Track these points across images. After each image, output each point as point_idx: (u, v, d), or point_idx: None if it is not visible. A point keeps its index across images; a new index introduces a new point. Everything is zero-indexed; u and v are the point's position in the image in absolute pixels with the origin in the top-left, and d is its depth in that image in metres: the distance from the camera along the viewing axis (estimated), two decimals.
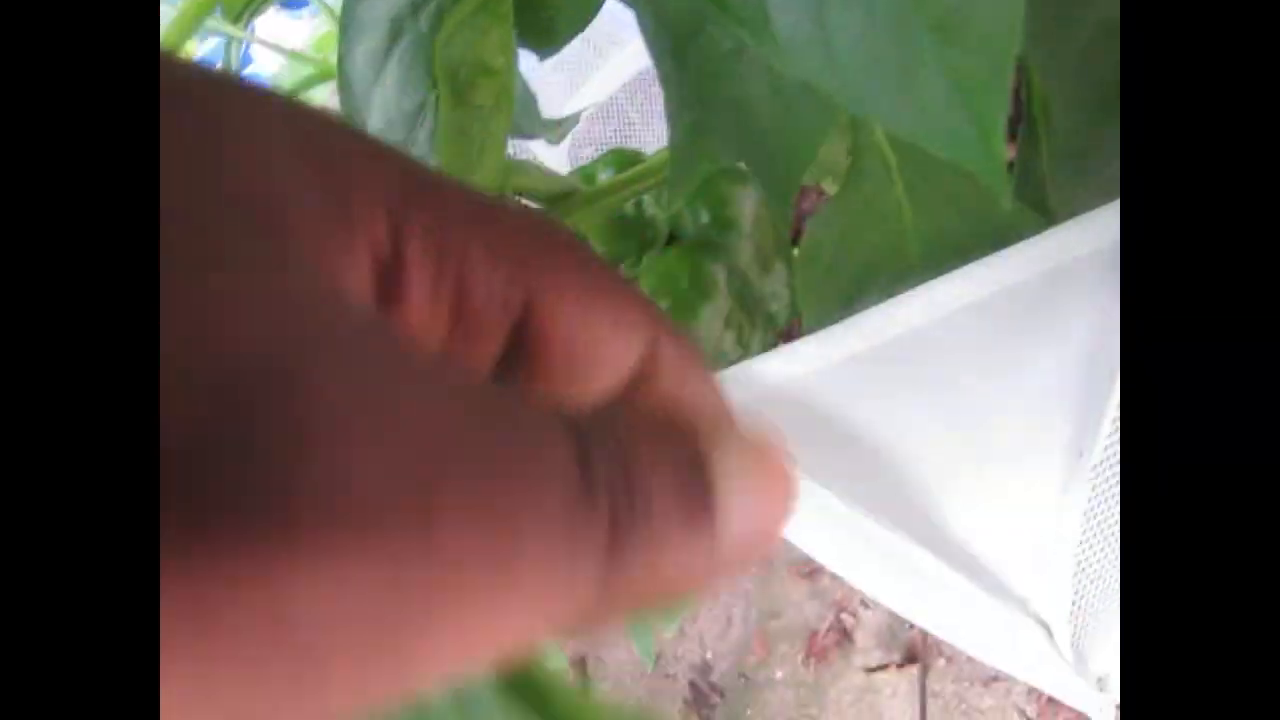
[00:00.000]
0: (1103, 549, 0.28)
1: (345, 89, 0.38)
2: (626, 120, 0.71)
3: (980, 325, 0.25)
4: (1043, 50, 0.27)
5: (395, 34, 0.36)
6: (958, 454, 0.28)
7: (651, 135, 0.66)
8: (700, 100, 0.29)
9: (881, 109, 0.21)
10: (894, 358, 0.26)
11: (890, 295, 0.31)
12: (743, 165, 0.28)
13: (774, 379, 0.27)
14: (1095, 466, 0.26)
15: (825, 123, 0.26)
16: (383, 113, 0.37)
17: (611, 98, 0.68)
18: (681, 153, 0.30)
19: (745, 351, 0.44)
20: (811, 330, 0.33)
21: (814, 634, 1.09)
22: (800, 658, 1.09)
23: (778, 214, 0.27)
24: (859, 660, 1.06)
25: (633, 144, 0.72)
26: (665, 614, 0.39)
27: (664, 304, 0.40)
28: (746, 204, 0.43)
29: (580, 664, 1.20)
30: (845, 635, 1.07)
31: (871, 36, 0.20)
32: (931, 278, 0.32)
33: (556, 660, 0.89)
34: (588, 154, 0.71)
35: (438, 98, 0.30)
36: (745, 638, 1.13)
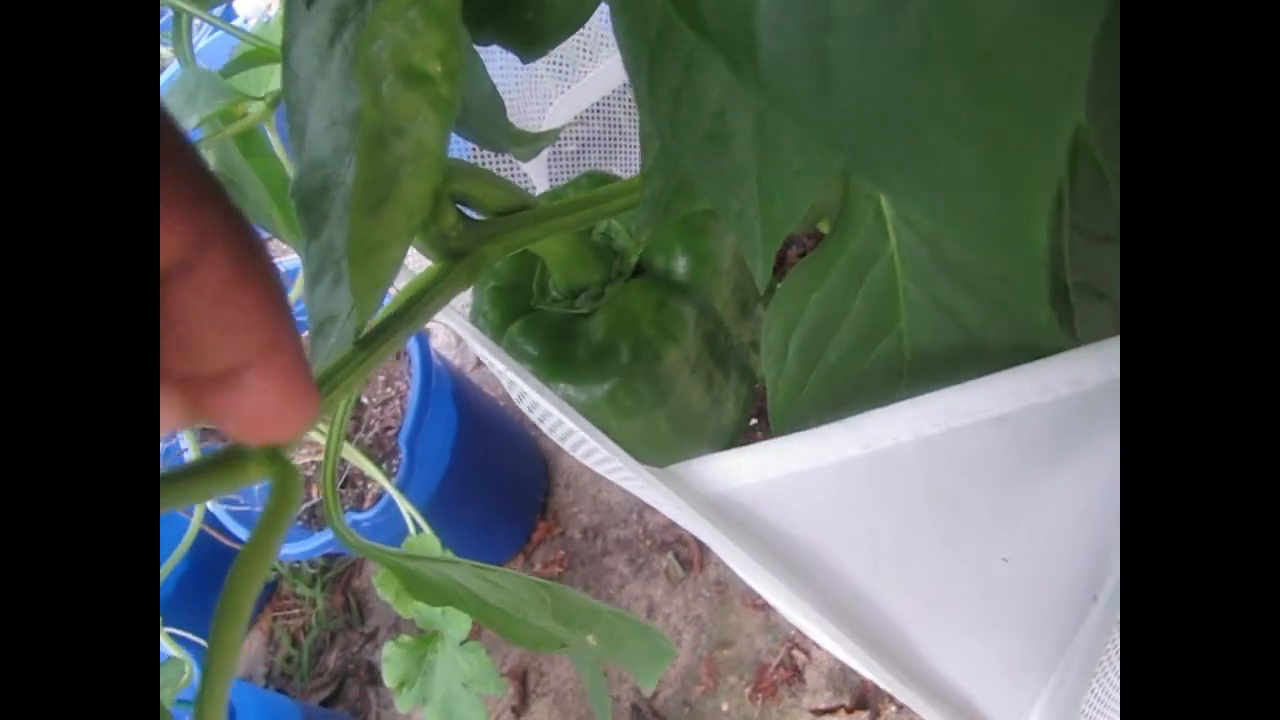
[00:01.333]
0: (1105, 701, 0.25)
1: (289, 79, 0.33)
2: (614, 122, 0.66)
3: (1000, 442, 0.21)
4: (1096, 124, 0.23)
5: (340, 21, 0.31)
6: (954, 573, 0.24)
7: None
8: (674, 130, 0.24)
9: (884, 171, 0.16)
10: (892, 467, 0.21)
11: (877, 378, 0.27)
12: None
13: (750, 478, 0.23)
14: (1105, 609, 0.22)
15: (819, 170, 0.22)
16: (325, 109, 0.32)
17: (603, 99, 0.63)
18: (654, 189, 0.25)
19: (717, 406, 0.40)
20: (779, 403, 0.29)
21: (764, 668, 1.06)
22: (748, 691, 1.05)
23: (755, 270, 0.22)
24: (808, 700, 1.03)
25: (622, 145, 0.68)
26: (644, 675, 0.36)
27: (623, 345, 0.36)
28: (727, 237, 0.39)
29: (521, 678, 1.17)
30: (796, 673, 1.04)
31: (883, 74, 0.15)
32: (923, 361, 0.28)
33: (496, 673, 0.85)
34: (572, 149, 0.67)
35: None
36: (693, 665, 1.09)
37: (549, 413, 0.27)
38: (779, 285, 0.28)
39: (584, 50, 0.60)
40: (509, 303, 0.39)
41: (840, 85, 0.15)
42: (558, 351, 0.36)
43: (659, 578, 1.15)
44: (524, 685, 1.16)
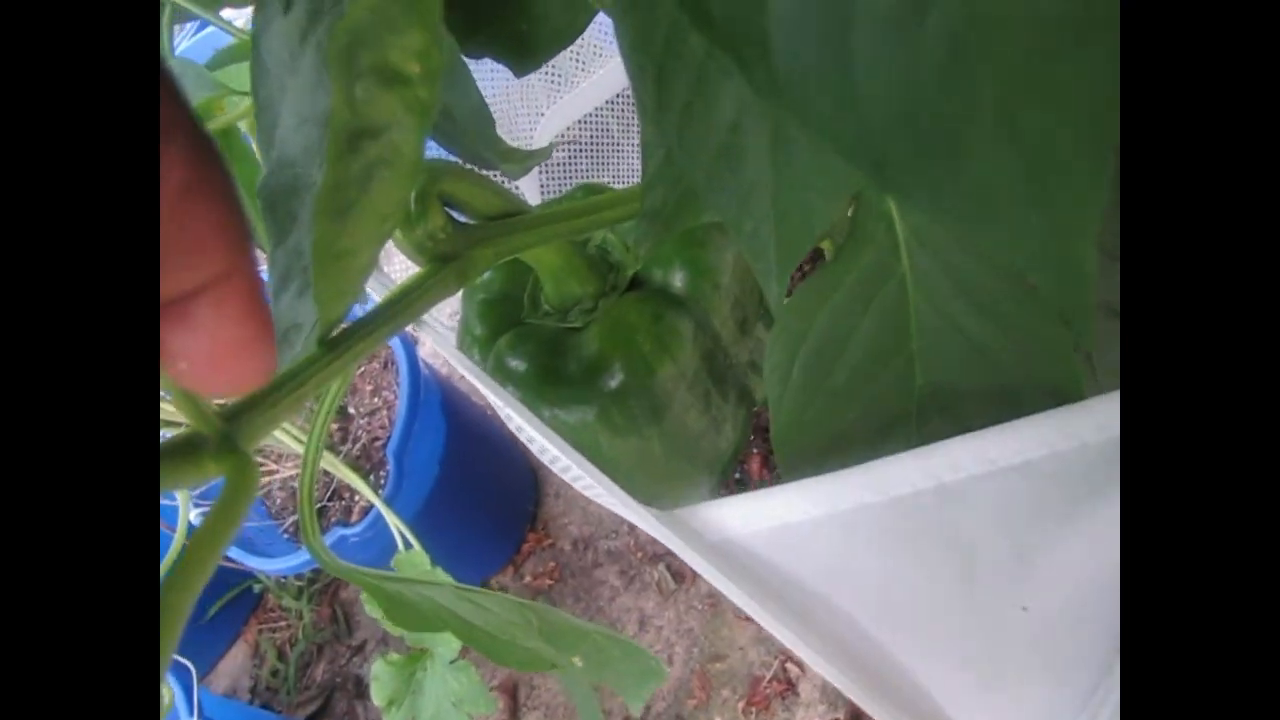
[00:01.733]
0: None
1: (258, 73, 0.32)
2: (605, 129, 0.65)
3: (1022, 489, 0.19)
4: None
5: (314, 14, 0.29)
6: (971, 620, 0.22)
7: (635, 150, 0.60)
8: (683, 145, 0.23)
9: (913, 185, 0.14)
10: (909, 513, 0.20)
11: (886, 400, 0.26)
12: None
13: (761, 524, 0.21)
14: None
15: (839, 188, 0.20)
16: (296, 107, 0.30)
17: (595, 109, 0.62)
18: (656, 201, 0.24)
19: (714, 427, 0.39)
20: (782, 424, 0.28)
21: (757, 681, 1.04)
22: (741, 705, 1.04)
23: (769, 291, 0.21)
24: (801, 714, 1.01)
25: (614, 153, 0.66)
26: (632, 696, 0.35)
27: (617, 359, 0.34)
28: (728, 250, 0.37)
29: (511, 691, 1.15)
30: (789, 686, 1.03)
31: (910, 79, 0.13)
32: (936, 384, 0.26)
33: (486, 692, 0.83)
34: (562, 156, 0.65)
35: None
36: (686, 678, 1.08)
37: (534, 439, 0.26)
38: (784, 304, 0.27)
39: (578, 60, 0.58)
40: (498, 315, 0.37)
41: (863, 91, 0.13)
42: (548, 366, 0.35)
43: (650, 590, 1.13)
44: (514, 699, 1.14)
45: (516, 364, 0.35)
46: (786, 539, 0.22)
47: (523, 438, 0.27)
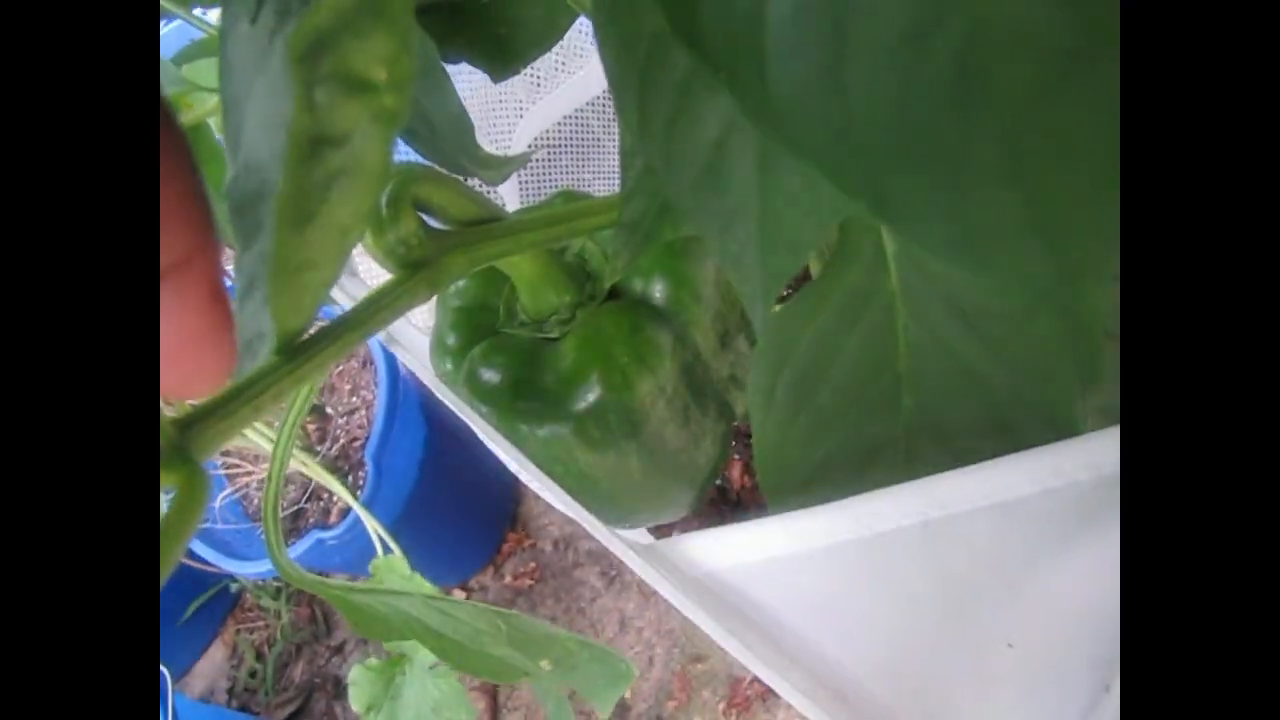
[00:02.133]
0: None
1: (225, 72, 0.30)
2: (587, 129, 0.63)
3: (1009, 526, 0.19)
4: None
5: (283, 13, 0.28)
6: (955, 658, 0.22)
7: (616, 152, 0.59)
8: (668, 162, 0.22)
9: (911, 218, 0.13)
10: (893, 550, 0.19)
11: (872, 422, 0.25)
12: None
13: (741, 558, 0.20)
14: (1118, 700, 0.20)
15: (829, 214, 0.19)
16: (262, 109, 0.29)
17: (576, 110, 0.60)
18: (635, 212, 0.23)
19: (693, 442, 0.38)
20: (766, 446, 0.27)
21: (738, 683, 1.04)
22: (722, 707, 1.03)
23: (754, 314, 0.20)
24: (782, 715, 1.01)
25: (595, 152, 0.65)
26: (600, 700, 0.34)
27: (593, 372, 0.33)
28: (709, 262, 0.36)
29: (491, 693, 1.14)
30: (770, 689, 1.02)
31: (909, 111, 0.12)
32: (924, 406, 0.25)
33: (466, 698, 0.82)
34: (543, 156, 0.64)
35: None
36: (666, 679, 1.07)
37: (507, 462, 0.25)
38: (770, 325, 0.26)
39: (559, 61, 0.57)
40: (473, 325, 0.36)
41: (860, 121, 0.12)
42: (523, 379, 0.34)
43: (631, 590, 1.12)
44: (494, 700, 1.13)
45: (490, 375, 0.34)
46: (768, 574, 0.21)
47: (495, 451, 0.26)
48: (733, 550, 0.21)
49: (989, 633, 0.21)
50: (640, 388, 0.34)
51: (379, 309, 0.26)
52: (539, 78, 0.57)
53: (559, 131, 0.59)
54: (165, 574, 0.17)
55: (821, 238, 0.19)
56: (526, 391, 0.34)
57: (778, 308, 0.27)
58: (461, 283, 0.37)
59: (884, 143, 0.13)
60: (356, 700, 0.81)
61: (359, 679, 0.81)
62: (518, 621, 0.34)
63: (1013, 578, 0.20)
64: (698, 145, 0.20)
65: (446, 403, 0.25)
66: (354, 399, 1.06)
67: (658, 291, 0.35)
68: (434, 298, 0.38)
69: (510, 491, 1.22)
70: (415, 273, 0.28)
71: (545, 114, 0.55)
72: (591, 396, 0.34)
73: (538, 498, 1.22)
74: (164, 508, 0.18)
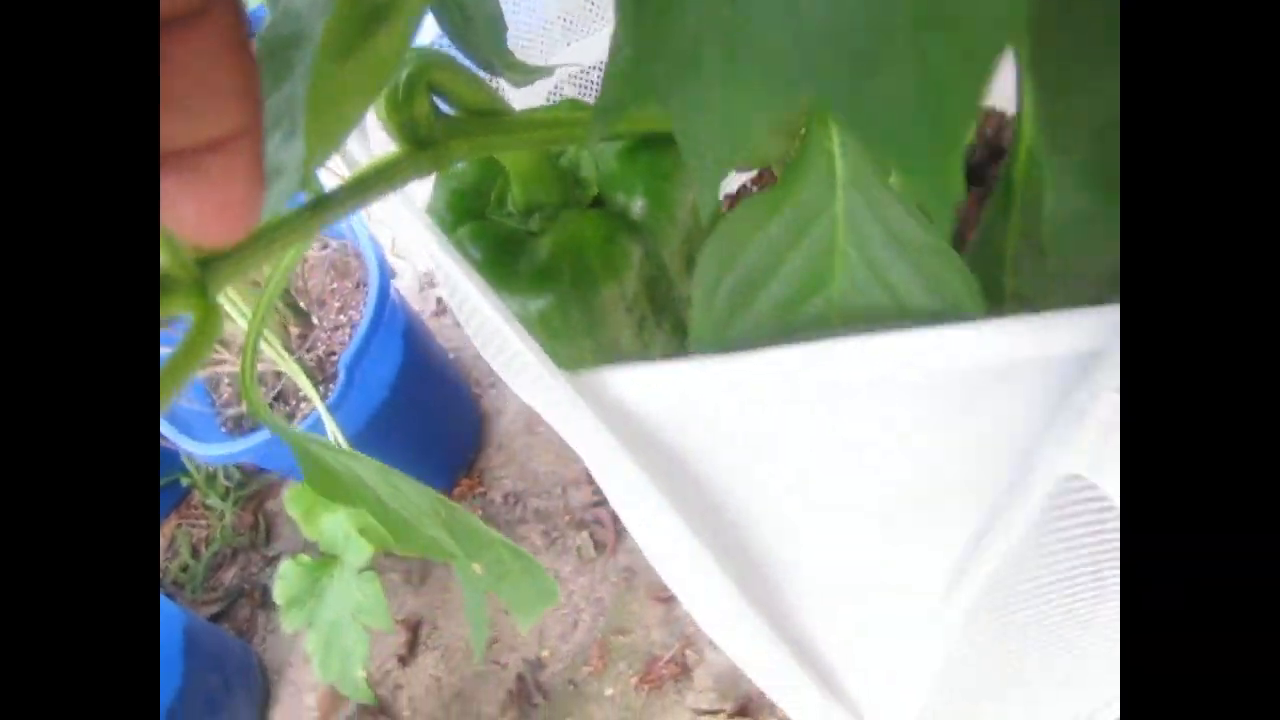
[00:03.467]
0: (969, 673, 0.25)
1: None
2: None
3: (921, 397, 0.21)
4: (1057, 108, 0.23)
5: None
6: (843, 523, 0.24)
7: None
8: (655, 52, 0.24)
9: (840, 97, 0.16)
10: (805, 402, 0.22)
11: (802, 337, 0.28)
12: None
13: (666, 391, 0.23)
14: (985, 582, 0.23)
15: (779, 105, 0.22)
16: None
17: (601, 62, 0.63)
18: (613, 87, 0.25)
19: (645, 352, 0.40)
20: (701, 335, 0.29)
21: (655, 660, 1.06)
22: (634, 680, 1.06)
23: (703, 197, 0.22)
24: (692, 699, 1.03)
25: None
26: (523, 614, 0.36)
27: (565, 269, 0.36)
28: (690, 189, 0.39)
29: (414, 628, 1.16)
30: (685, 671, 1.05)
31: (846, 9, 0.15)
32: (850, 328, 0.28)
33: (387, 610, 0.84)
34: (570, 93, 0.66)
35: None
36: (586, 645, 1.09)
37: (468, 298, 0.27)
38: (722, 222, 0.29)
39: (592, 5, 0.60)
40: (465, 207, 0.39)
41: (809, 21, 0.15)
42: (501, 260, 0.36)
43: (570, 554, 1.15)
44: (415, 635, 1.15)
45: (474, 252, 0.37)
46: (684, 409, 0.23)
47: (464, 314, 0.29)
48: (659, 382, 0.24)
49: (883, 483, 0.24)
50: (604, 291, 0.37)
51: (385, 177, 0.28)
52: (573, 23, 0.59)
53: (585, 78, 0.62)
54: (172, 394, 0.19)
55: (773, 123, 0.21)
56: (503, 273, 0.37)
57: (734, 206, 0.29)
58: (461, 166, 0.40)
59: (822, 31, 0.16)
60: (280, 592, 0.82)
61: (287, 573, 0.83)
62: (460, 514, 0.35)
63: (920, 442, 0.23)
64: (679, 38, 0.23)
65: (439, 258, 0.27)
66: (341, 317, 1.08)
67: (637, 207, 0.37)
68: (434, 174, 0.40)
69: (473, 440, 1.24)
70: (422, 150, 0.30)
71: (574, 58, 0.58)
72: (559, 289, 0.36)
73: (499, 449, 1.24)
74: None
